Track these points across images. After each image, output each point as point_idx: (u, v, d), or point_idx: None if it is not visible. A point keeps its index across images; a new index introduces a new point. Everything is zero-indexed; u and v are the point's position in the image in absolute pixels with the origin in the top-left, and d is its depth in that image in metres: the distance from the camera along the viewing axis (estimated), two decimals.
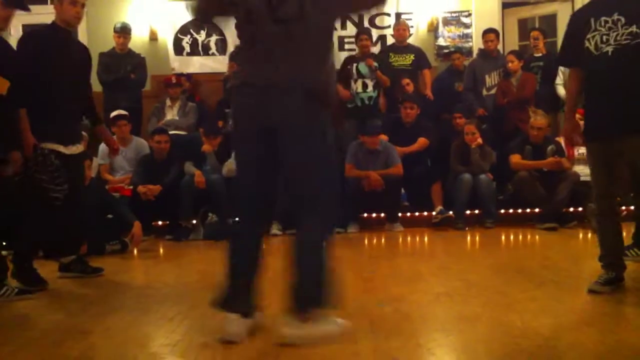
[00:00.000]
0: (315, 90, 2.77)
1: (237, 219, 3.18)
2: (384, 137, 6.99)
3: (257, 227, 3.03)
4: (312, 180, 2.82)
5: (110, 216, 5.89)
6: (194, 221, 6.45)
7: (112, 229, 5.70)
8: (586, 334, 2.84)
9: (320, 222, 2.85)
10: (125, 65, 7.66)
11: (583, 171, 6.71)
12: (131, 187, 6.47)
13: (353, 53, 7.96)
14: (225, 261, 2.94)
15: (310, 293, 2.77)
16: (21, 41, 4.17)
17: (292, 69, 2.76)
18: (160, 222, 6.56)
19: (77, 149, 4.30)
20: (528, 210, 6.84)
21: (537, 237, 6.15)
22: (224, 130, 7.26)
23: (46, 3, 8.66)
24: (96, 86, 7.94)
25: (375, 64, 7.41)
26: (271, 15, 2.79)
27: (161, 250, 5.95)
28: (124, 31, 7.77)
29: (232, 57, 7.81)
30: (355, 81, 7.42)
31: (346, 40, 8.63)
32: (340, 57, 8.26)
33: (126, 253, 5.63)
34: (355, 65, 7.47)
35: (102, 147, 6.89)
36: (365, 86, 7.42)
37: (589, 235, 5.95)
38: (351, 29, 8.56)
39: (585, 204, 6.25)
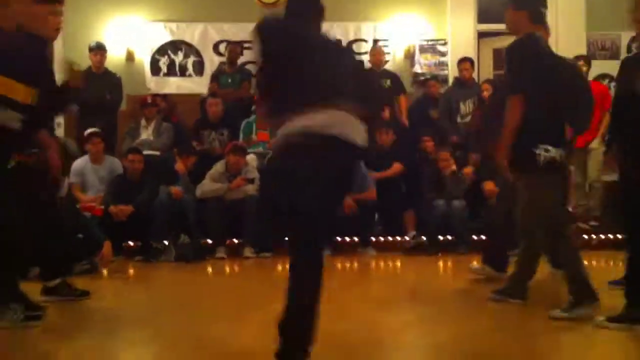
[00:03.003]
0: None
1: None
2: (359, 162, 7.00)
3: None
4: None
5: (80, 235, 5.79)
6: (166, 242, 6.38)
7: (81, 248, 5.61)
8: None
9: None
10: (101, 85, 7.61)
11: None
12: (102, 207, 6.38)
13: None
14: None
15: None
16: None
17: None
18: (131, 243, 6.48)
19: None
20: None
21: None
22: (199, 150, 7.26)
23: None
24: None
25: None
26: None
27: (131, 271, 5.87)
28: (99, 49, 7.74)
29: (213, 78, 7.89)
30: None
31: None
32: None
33: (95, 274, 5.54)
34: None
35: (75, 165, 6.82)
36: None
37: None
38: None
39: None
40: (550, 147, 3.61)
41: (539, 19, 3.85)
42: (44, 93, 3.56)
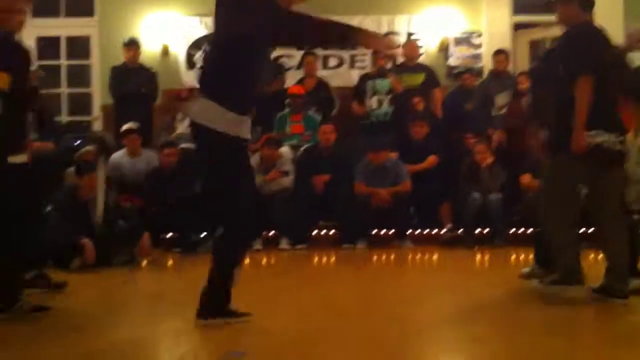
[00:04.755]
0: None
1: None
2: (392, 155, 6.99)
3: None
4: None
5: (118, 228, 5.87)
6: (203, 234, 6.42)
7: (120, 239, 5.68)
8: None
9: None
10: (136, 79, 7.71)
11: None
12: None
13: (365, 71, 8.02)
14: None
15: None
16: None
17: None
18: (169, 235, 6.55)
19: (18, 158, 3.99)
20: (538, 230, 6.78)
21: None
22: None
23: (58, 16, 8.77)
24: (108, 99, 8.08)
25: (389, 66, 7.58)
26: None
27: (170, 263, 5.93)
28: (132, 44, 7.83)
29: None
30: (370, 98, 7.50)
31: (357, 58, 8.66)
32: (351, 75, 8.31)
33: (134, 265, 5.61)
34: (370, 82, 7.54)
35: (112, 158, 6.92)
36: (380, 103, 7.48)
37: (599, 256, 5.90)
38: (362, 48, 8.58)
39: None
40: (600, 131, 3.62)
41: (589, 6, 3.92)
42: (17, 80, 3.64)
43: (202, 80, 3.42)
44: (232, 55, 3.12)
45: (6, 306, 3.64)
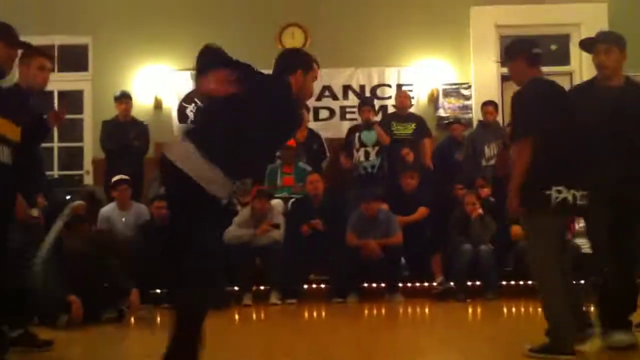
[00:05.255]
0: None
1: None
2: (384, 206, 7.00)
3: None
4: None
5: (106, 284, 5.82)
6: None
7: (108, 296, 5.63)
8: None
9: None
10: (128, 132, 7.75)
11: (584, 244, 6.68)
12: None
13: (355, 123, 8.11)
14: None
15: None
16: None
17: None
18: (158, 290, 6.48)
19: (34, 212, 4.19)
20: (530, 282, 6.75)
21: (539, 309, 6.04)
22: None
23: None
24: (99, 153, 8.10)
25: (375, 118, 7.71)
26: None
27: (159, 319, 5.86)
28: (123, 97, 7.89)
29: None
30: (358, 150, 7.56)
31: (347, 110, 8.75)
32: (342, 126, 8.38)
33: (123, 322, 5.54)
34: (357, 134, 7.62)
35: (102, 212, 6.91)
36: (367, 155, 7.54)
37: (592, 308, 5.86)
38: (353, 99, 8.70)
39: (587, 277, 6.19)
40: (562, 188, 3.61)
41: (536, 61, 3.88)
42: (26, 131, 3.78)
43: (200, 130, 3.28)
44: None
45: None
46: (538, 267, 3.76)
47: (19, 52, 3.98)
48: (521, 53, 3.87)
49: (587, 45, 4.19)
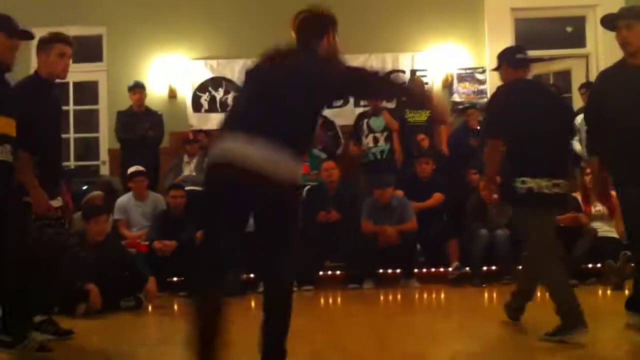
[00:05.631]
0: None
1: None
2: (399, 193, 7.00)
3: None
4: None
5: (125, 272, 5.88)
6: None
7: (126, 285, 5.69)
8: None
9: None
10: (143, 123, 7.78)
11: (601, 228, 6.65)
12: (147, 242, 6.49)
13: (367, 109, 8.09)
14: None
15: None
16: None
17: None
18: (175, 278, 6.54)
19: (57, 202, 4.07)
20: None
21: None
22: None
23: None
24: (114, 143, 8.14)
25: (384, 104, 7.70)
26: None
27: (176, 307, 5.92)
28: (137, 87, 7.91)
29: None
30: (367, 136, 7.56)
31: None
32: (355, 113, 8.36)
33: (141, 309, 5.60)
34: (366, 120, 7.61)
35: (119, 202, 6.97)
36: (376, 140, 7.53)
37: (608, 292, 5.84)
38: None
39: (604, 261, 6.17)
40: (526, 179, 3.78)
41: (520, 64, 4.15)
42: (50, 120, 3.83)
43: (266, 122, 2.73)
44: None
45: (15, 341, 3.63)
46: (538, 259, 3.93)
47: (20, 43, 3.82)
48: (506, 60, 4.19)
49: (608, 22, 4.11)
